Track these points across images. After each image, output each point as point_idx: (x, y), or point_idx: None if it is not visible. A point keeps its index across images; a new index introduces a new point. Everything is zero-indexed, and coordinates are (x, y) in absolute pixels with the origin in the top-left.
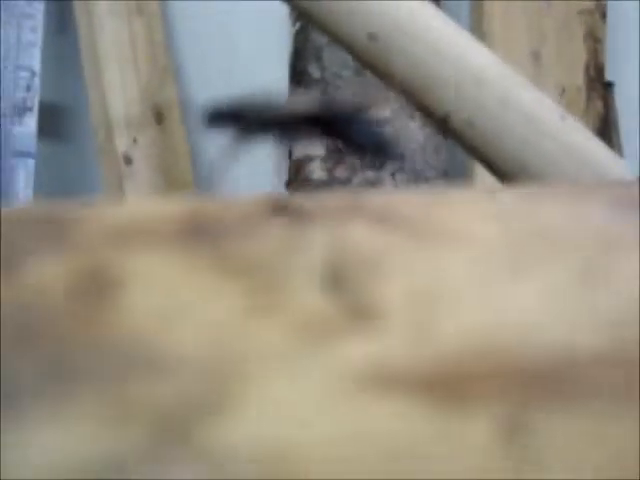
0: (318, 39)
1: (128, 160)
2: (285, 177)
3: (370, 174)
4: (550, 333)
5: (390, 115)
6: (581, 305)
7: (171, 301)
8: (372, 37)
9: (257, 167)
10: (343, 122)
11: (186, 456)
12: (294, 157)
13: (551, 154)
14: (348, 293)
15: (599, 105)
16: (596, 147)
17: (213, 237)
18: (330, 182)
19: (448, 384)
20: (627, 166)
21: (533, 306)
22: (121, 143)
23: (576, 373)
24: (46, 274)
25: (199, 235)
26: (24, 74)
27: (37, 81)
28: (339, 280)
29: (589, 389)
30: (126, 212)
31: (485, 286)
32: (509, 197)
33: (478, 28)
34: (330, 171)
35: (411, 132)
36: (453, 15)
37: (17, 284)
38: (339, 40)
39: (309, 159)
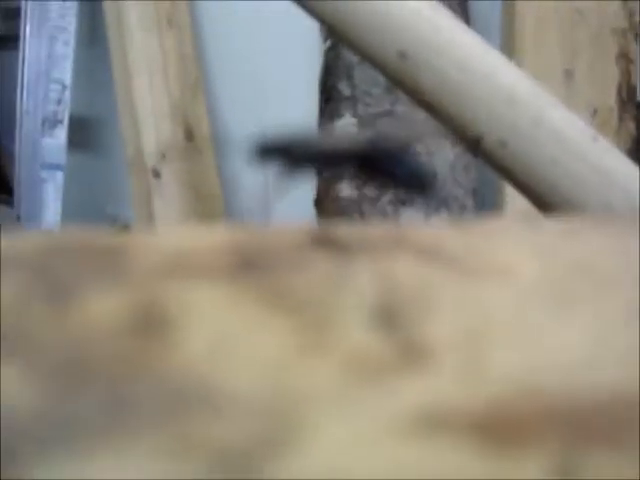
0: (349, 56)
1: (157, 174)
2: (314, 195)
3: (399, 192)
4: (595, 373)
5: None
6: (626, 344)
7: (223, 337)
8: (402, 55)
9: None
10: (387, 159)
11: None
12: (323, 175)
13: (582, 175)
14: (398, 331)
15: (631, 126)
16: (627, 169)
17: (261, 271)
18: (359, 200)
19: (498, 425)
20: None
21: (578, 345)
22: (150, 157)
23: (622, 413)
24: (99, 309)
25: (247, 269)
26: (55, 87)
27: (68, 94)
28: (388, 318)
29: (635, 430)
30: (174, 244)
31: (531, 324)
32: (551, 230)
33: (510, 44)
34: (359, 189)
35: (441, 150)
36: (484, 32)
37: (70, 319)
38: (369, 58)
39: (338, 177)
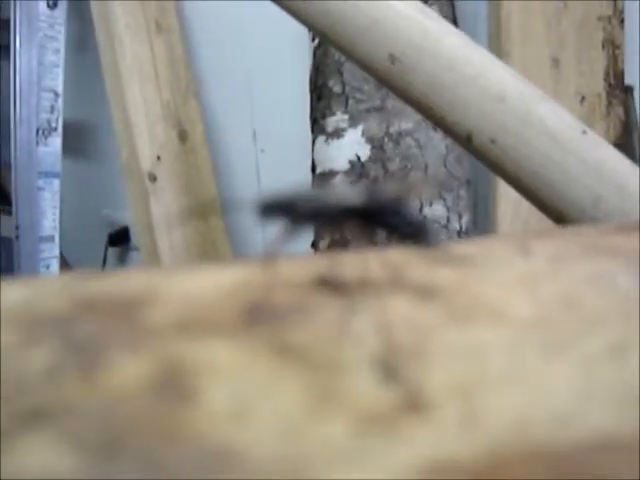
0: (338, 54)
1: (152, 177)
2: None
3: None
4: (582, 417)
5: (412, 126)
6: (612, 384)
7: (240, 397)
8: (393, 59)
9: None
10: (388, 214)
11: None
12: (318, 172)
13: (572, 170)
14: (400, 383)
15: (620, 111)
16: (617, 161)
17: (269, 320)
18: None
19: (493, 470)
20: None
21: (566, 389)
22: (145, 161)
23: (607, 457)
24: (123, 373)
25: (256, 319)
26: (48, 95)
27: (60, 102)
28: (390, 370)
29: (620, 473)
30: (185, 294)
31: (523, 368)
32: (540, 257)
33: (497, 37)
34: (353, 185)
35: (433, 143)
36: (471, 27)
37: (99, 385)
38: (359, 62)
39: (332, 173)
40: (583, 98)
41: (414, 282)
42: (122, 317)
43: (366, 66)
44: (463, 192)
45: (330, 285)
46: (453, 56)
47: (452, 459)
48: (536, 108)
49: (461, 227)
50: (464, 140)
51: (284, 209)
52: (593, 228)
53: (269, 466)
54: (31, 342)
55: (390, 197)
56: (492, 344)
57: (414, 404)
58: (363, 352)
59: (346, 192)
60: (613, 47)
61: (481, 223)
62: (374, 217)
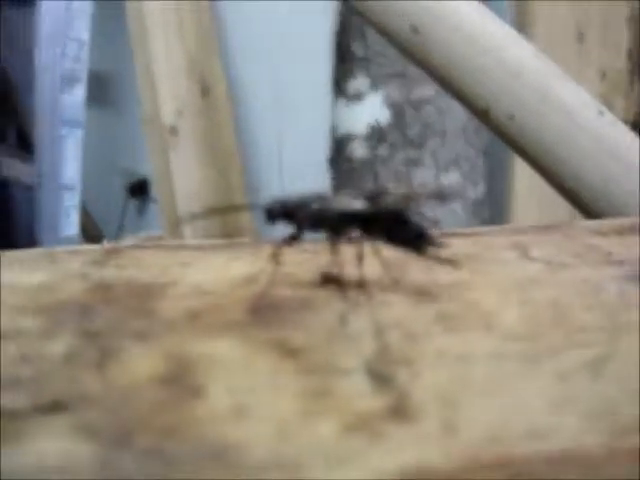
0: None
1: (174, 131)
2: (328, 155)
3: (411, 153)
4: (554, 430)
5: (433, 94)
6: (586, 397)
7: (241, 394)
8: (414, 29)
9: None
10: (388, 220)
11: None
12: (337, 134)
13: (587, 149)
14: (390, 389)
15: None
16: (632, 142)
17: (271, 317)
18: (372, 160)
19: (465, 476)
20: None
21: (541, 402)
22: (166, 114)
23: (573, 471)
24: (135, 364)
25: (261, 317)
26: (73, 44)
27: (86, 51)
28: (383, 376)
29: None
30: (199, 290)
31: (500, 381)
32: (538, 263)
33: (523, 10)
34: (372, 149)
35: (454, 111)
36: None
37: (112, 376)
38: (382, 31)
39: (351, 137)
40: (605, 74)
41: (411, 284)
42: (137, 307)
43: (388, 36)
44: (480, 161)
45: (331, 283)
46: (474, 30)
47: (431, 464)
48: (554, 85)
49: (476, 196)
50: (482, 113)
51: (288, 215)
52: (592, 229)
53: (263, 463)
54: (50, 329)
55: (391, 204)
56: (477, 352)
57: (401, 410)
58: (358, 356)
59: (349, 199)
60: (638, 25)
61: (497, 194)
62: (375, 223)
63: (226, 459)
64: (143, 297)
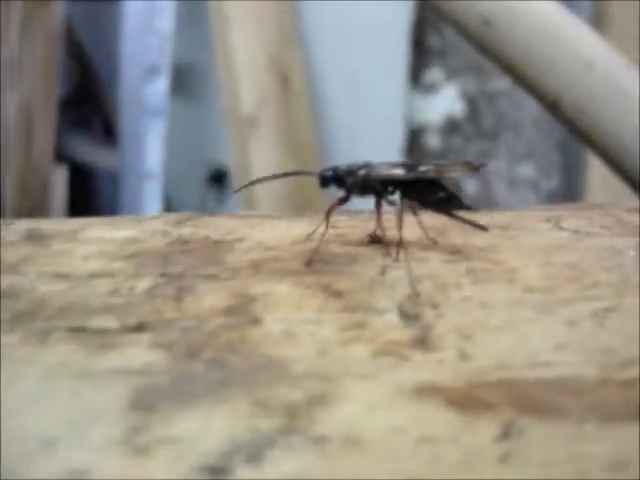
0: None
1: (253, 122)
2: (403, 145)
3: (485, 145)
4: (553, 364)
5: (508, 86)
6: (587, 340)
7: (291, 323)
8: (486, 22)
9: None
10: (424, 185)
11: (306, 441)
12: (411, 126)
13: None
14: (416, 325)
15: None
16: None
17: (323, 270)
18: (445, 152)
19: (466, 400)
20: None
21: (546, 342)
22: (246, 105)
23: (562, 395)
24: (206, 297)
25: (313, 267)
26: (157, 36)
27: (169, 43)
28: (411, 315)
29: (568, 410)
30: (263, 245)
31: (514, 323)
32: (564, 232)
33: (598, 11)
34: (446, 141)
35: (528, 104)
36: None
37: (185, 305)
38: (454, 24)
39: (426, 129)
40: None
41: (447, 246)
42: (209, 257)
43: (461, 29)
44: (554, 154)
45: (375, 242)
46: (545, 23)
47: (443, 384)
48: (624, 77)
49: (550, 188)
50: (551, 105)
51: (338, 182)
52: (631, 208)
53: (302, 374)
54: (136, 271)
55: (429, 173)
56: (497, 300)
57: (424, 341)
58: (392, 299)
59: (391, 167)
60: None
61: (572, 186)
62: (413, 187)
63: (273, 370)
64: (214, 250)
